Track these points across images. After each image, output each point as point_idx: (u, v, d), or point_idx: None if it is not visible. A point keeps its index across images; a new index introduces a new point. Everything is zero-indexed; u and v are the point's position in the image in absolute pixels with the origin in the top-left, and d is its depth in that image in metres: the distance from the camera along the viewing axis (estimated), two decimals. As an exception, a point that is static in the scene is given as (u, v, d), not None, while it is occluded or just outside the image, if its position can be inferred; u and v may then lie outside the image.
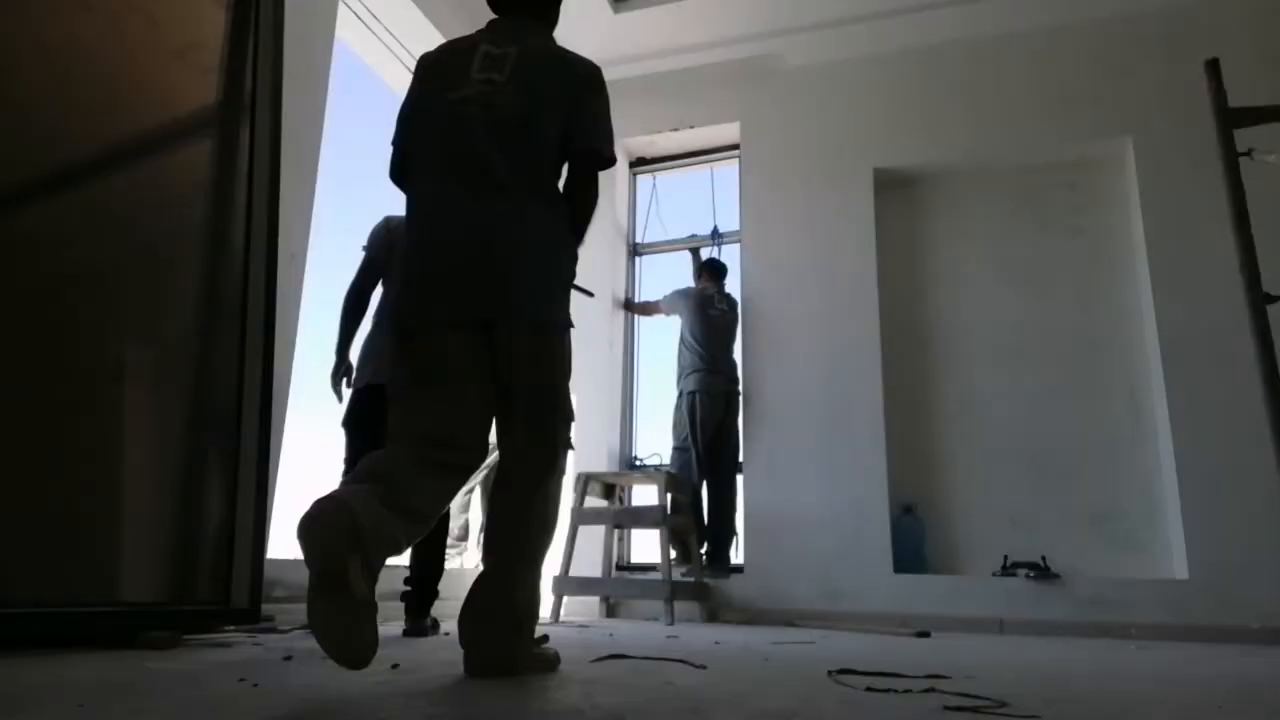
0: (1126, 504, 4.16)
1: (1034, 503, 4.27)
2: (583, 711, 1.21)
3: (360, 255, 3.11)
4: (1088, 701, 1.52)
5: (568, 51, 1.96)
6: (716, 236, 5.22)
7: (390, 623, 3.23)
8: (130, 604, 2.14)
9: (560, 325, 1.86)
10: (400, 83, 4.68)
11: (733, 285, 4.89)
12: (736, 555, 4.53)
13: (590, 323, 4.97)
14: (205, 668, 1.63)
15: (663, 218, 5.45)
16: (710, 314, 4.66)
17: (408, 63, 4.50)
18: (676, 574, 4.07)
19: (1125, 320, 4.34)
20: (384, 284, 3.08)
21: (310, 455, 3.65)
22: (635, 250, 5.47)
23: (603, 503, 4.46)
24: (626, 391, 5.20)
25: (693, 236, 5.30)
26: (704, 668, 1.86)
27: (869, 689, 1.52)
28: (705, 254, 5.17)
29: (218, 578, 2.38)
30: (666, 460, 4.67)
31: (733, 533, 4.52)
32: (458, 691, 1.39)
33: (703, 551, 4.37)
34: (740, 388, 4.65)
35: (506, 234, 1.79)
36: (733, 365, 4.68)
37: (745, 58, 5.04)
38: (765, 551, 4.40)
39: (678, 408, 4.59)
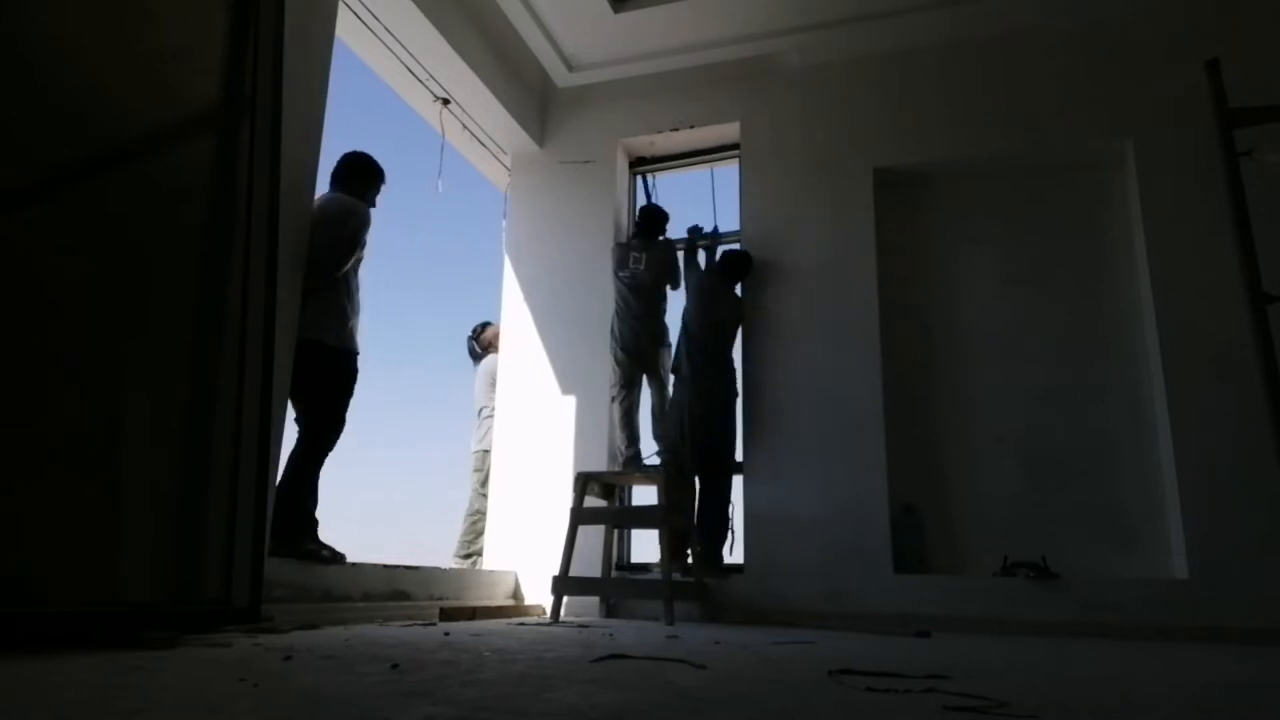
0: (1126, 504, 4.16)
1: (1034, 503, 4.27)
2: (583, 711, 1.21)
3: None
4: (1087, 701, 1.52)
5: None
6: (717, 236, 5.21)
7: (393, 623, 3.24)
8: (130, 604, 2.14)
9: None
10: (402, 85, 4.67)
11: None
12: (735, 555, 4.52)
13: (590, 323, 4.97)
14: (205, 668, 1.63)
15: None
16: (715, 319, 4.63)
17: (408, 63, 4.49)
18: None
19: (1125, 320, 4.34)
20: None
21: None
22: (636, 250, 5.44)
23: (602, 503, 4.46)
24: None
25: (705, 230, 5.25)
26: (704, 668, 1.85)
27: (869, 689, 1.52)
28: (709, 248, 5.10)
29: (218, 578, 2.38)
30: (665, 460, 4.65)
31: (726, 532, 4.49)
32: (458, 691, 1.39)
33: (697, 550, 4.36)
34: (739, 387, 4.63)
35: None
36: (732, 367, 4.65)
37: (745, 58, 5.04)
38: (765, 551, 4.40)
39: (673, 407, 4.56)
